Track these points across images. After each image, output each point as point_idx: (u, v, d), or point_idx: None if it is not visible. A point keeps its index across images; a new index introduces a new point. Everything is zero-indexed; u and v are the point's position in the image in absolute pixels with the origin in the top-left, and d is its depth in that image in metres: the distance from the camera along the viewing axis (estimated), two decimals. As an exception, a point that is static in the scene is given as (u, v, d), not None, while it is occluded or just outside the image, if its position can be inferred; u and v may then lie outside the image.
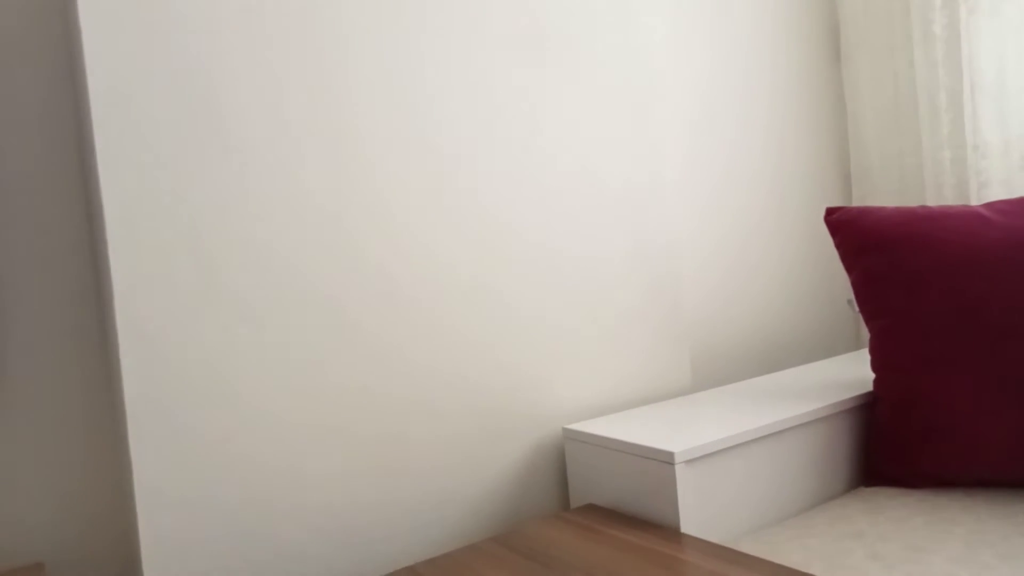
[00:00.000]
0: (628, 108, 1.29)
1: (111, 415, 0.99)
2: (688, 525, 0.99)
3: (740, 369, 1.54)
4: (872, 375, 1.29)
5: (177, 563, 0.89)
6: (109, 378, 0.98)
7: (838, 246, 1.22)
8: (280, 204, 0.96)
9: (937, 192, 1.61)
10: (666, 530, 0.97)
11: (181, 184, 0.90)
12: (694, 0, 1.52)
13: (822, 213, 1.75)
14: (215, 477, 0.91)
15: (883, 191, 1.74)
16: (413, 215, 1.06)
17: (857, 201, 1.79)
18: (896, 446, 1.12)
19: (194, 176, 0.90)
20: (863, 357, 1.48)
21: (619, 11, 1.28)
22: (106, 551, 0.98)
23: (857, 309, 1.21)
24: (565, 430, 1.17)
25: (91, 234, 0.97)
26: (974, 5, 1.49)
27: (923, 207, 1.16)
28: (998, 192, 1.50)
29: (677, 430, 1.07)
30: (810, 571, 0.88)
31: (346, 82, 1.01)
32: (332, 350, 1.00)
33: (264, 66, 0.95)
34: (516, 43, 1.17)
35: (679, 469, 0.98)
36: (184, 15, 0.90)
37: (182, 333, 0.90)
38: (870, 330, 1.17)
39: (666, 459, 0.98)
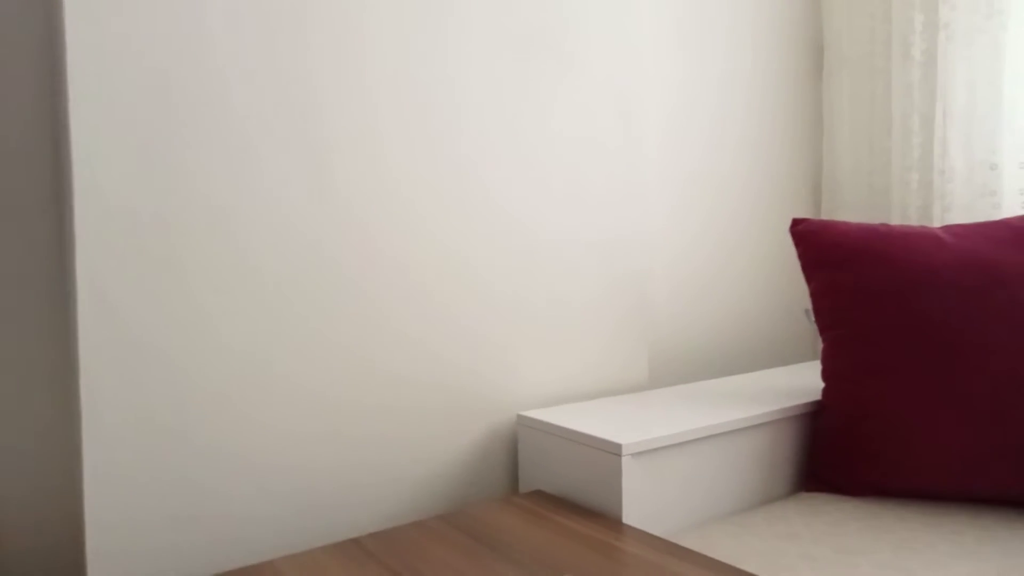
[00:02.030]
0: (611, 108, 1.31)
1: (70, 373, 0.98)
2: (631, 516, 1.01)
3: (698, 370, 1.57)
4: (822, 384, 1.32)
5: (126, 522, 0.89)
6: (68, 335, 0.97)
7: (800, 257, 1.25)
8: (248, 174, 0.96)
9: (903, 212, 1.65)
10: (609, 520, 1.00)
11: (150, 147, 0.89)
12: (681, 7, 1.54)
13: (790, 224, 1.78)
14: (169, 435, 0.91)
15: (851, 207, 1.77)
16: (387, 193, 1.07)
17: (826, 215, 1.82)
18: (838, 454, 1.15)
19: (164, 140, 0.90)
20: (817, 367, 1.51)
21: (605, 16, 1.29)
22: (56, 510, 0.97)
23: (813, 319, 1.24)
24: (519, 416, 1.18)
25: (60, 197, 0.96)
26: (952, 33, 1.52)
27: (884, 225, 1.20)
28: (960, 216, 1.55)
29: (628, 424, 1.09)
30: (743, 568, 0.90)
31: (308, 65, 1.01)
32: (296, 315, 1.00)
33: (259, 30, 0.94)
34: (503, 42, 1.17)
35: (626, 461, 1.00)
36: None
37: (142, 297, 0.89)
38: (823, 340, 1.20)
39: (614, 451, 1.00)
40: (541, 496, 1.10)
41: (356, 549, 0.91)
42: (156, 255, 0.90)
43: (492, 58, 1.16)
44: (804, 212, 1.81)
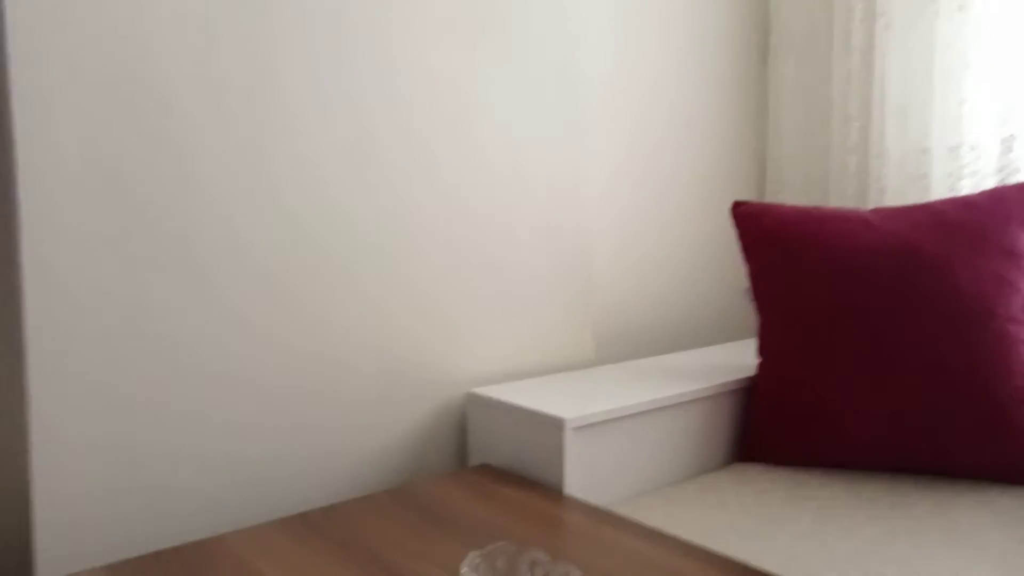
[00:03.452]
0: (554, 90, 1.33)
1: (16, 348, 0.98)
2: (572, 487, 1.05)
3: (644, 347, 1.62)
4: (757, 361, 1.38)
5: (73, 507, 0.90)
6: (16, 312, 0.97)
7: (740, 238, 1.30)
8: (199, 151, 0.96)
9: (841, 195, 1.71)
10: (552, 491, 1.04)
11: (97, 119, 0.89)
12: (631, -13, 1.56)
13: (736, 205, 1.83)
14: (116, 420, 0.92)
15: (793, 189, 1.83)
16: (332, 175, 1.08)
17: (770, 197, 1.88)
18: (770, 427, 1.21)
19: (113, 115, 0.90)
20: (753, 344, 1.58)
21: (553, 1, 1.31)
22: (2, 485, 0.98)
23: (752, 299, 1.29)
24: (468, 394, 1.22)
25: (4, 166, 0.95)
26: (889, 21, 1.58)
27: (816, 208, 1.25)
28: (894, 199, 1.61)
29: (571, 399, 1.13)
30: (673, 534, 0.95)
31: (276, 45, 1.01)
32: (243, 299, 1.01)
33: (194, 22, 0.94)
34: (452, 25, 1.18)
35: (568, 435, 1.04)
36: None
37: (90, 273, 0.90)
38: (759, 319, 1.26)
39: (557, 425, 1.04)
40: (488, 470, 1.14)
41: (303, 524, 0.94)
42: (103, 237, 0.90)
43: (442, 36, 1.18)
44: (750, 194, 1.87)
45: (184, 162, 0.96)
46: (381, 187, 1.13)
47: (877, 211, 1.22)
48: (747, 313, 1.83)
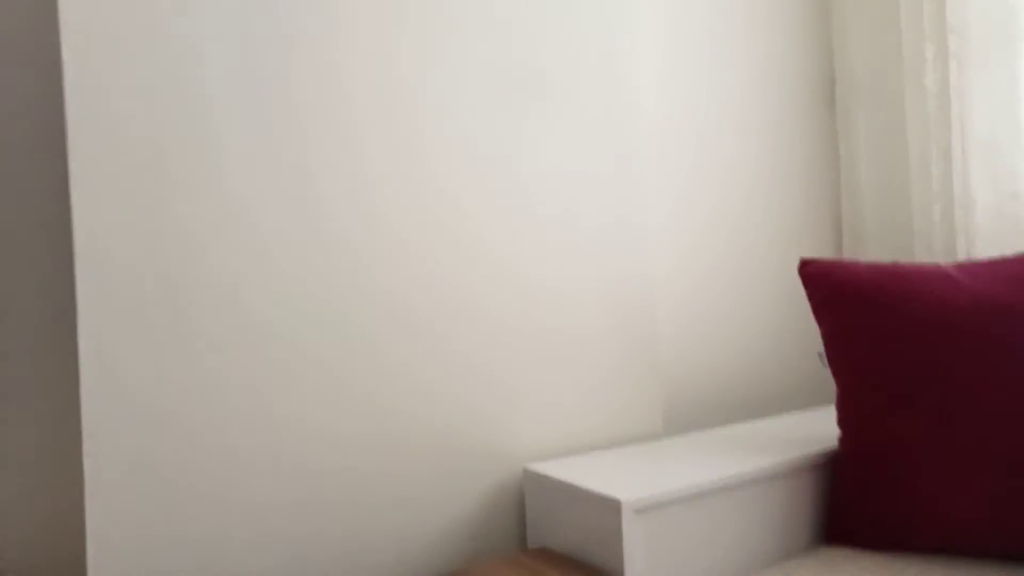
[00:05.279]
0: (611, 151, 1.30)
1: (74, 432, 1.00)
2: (634, 575, 0.98)
3: (714, 416, 1.53)
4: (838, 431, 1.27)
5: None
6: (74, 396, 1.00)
7: (810, 298, 1.22)
8: (247, 242, 0.98)
9: (927, 246, 1.59)
10: (612, 580, 0.97)
11: (153, 214, 0.92)
12: (692, 44, 1.54)
13: (810, 262, 1.74)
14: (173, 509, 0.92)
15: (874, 243, 1.73)
16: (371, 257, 1.08)
17: (848, 252, 1.78)
18: (857, 506, 1.10)
19: (167, 209, 0.93)
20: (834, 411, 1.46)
21: (605, 54, 1.30)
22: (61, 567, 0.99)
23: (826, 363, 1.20)
24: (525, 470, 1.17)
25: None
26: (964, 60, 1.49)
27: (895, 264, 1.16)
28: (985, 248, 1.49)
29: (632, 477, 1.07)
30: (748, 632, 0.86)
31: (299, 116, 1.03)
32: (296, 387, 1.01)
33: (252, 96, 0.98)
34: (500, 86, 1.18)
35: (626, 518, 0.97)
36: (167, 41, 0.93)
37: (144, 362, 0.91)
38: (837, 385, 1.16)
39: (614, 507, 0.98)
40: (546, 554, 1.07)
41: (349, 615, 0.90)
42: (159, 317, 0.92)
43: (487, 99, 1.17)
44: (825, 250, 1.77)
45: (229, 250, 0.97)
46: (425, 265, 1.12)
47: (961, 267, 1.12)
48: (824, 378, 1.70)
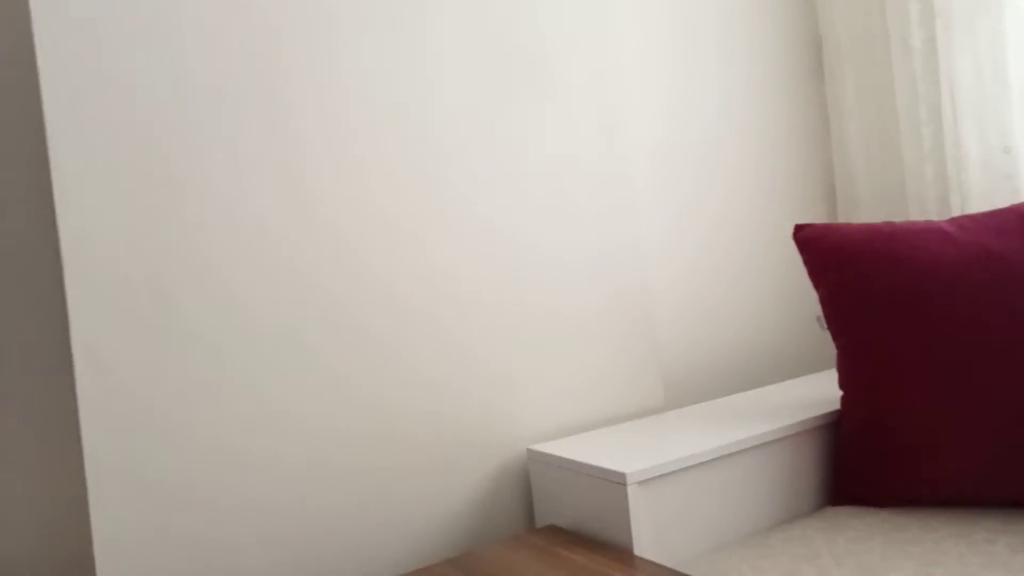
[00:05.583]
0: (593, 122, 1.30)
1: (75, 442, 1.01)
2: (642, 547, 0.98)
3: (715, 387, 1.53)
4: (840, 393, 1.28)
5: (131, 585, 0.90)
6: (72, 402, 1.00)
7: (806, 263, 1.22)
8: (239, 238, 0.98)
9: (921, 206, 1.59)
10: (621, 552, 0.97)
11: (140, 217, 0.92)
12: (670, 16, 1.53)
13: (805, 229, 1.73)
14: (175, 511, 0.93)
15: (868, 205, 1.72)
16: (367, 247, 1.08)
17: (843, 216, 1.77)
18: (861, 465, 1.11)
19: (155, 210, 0.93)
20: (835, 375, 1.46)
21: (584, 29, 1.30)
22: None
23: (825, 326, 1.20)
24: (529, 451, 1.17)
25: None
26: (948, 20, 1.48)
27: (888, 223, 1.16)
28: (979, 204, 1.48)
29: (636, 450, 1.07)
30: (757, 594, 0.87)
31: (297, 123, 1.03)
32: (294, 384, 1.01)
33: (225, 100, 0.97)
34: (487, 68, 1.18)
35: (631, 490, 0.98)
36: (147, 63, 0.93)
37: (141, 366, 0.92)
38: (837, 347, 1.16)
39: (618, 480, 0.98)
40: (554, 531, 1.08)
41: (361, 600, 0.91)
42: (149, 314, 0.92)
43: (472, 78, 1.17)
44: (819, 216, 1.76)
45: (218, 251, 0.98)
46: (416, 249, 1.12)
47: (955, 221, 1.12)
48: (825, 342, 1.70)
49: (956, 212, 1.52)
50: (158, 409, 0.93)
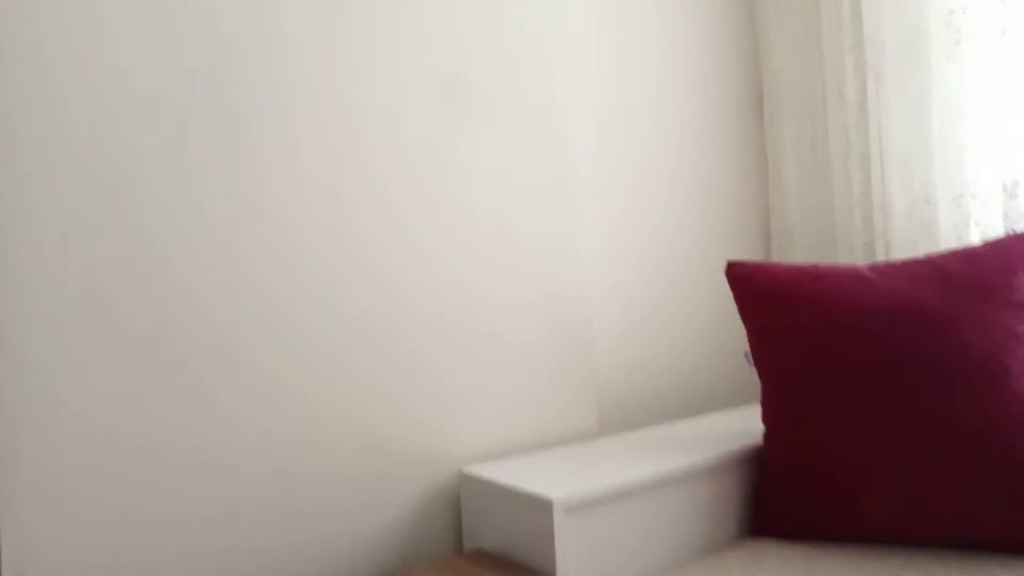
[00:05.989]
0: (543, 160, 1.33)
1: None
2: (567, 574, 0.99)
3: (647, 416, 1.56)
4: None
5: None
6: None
7: (736, 300, 1.26)
8: (173, 232, 0.97)
9: (849, 250, 1.67)
10: (544, 578, 0.98)
11: (72, 218, 0.90)
12: (622, 55, 1.58)
13: (740, 265, 1.79)
14: (92, 523, 0.90)
15: (800, 248, 1.79)
16: (309, 253, 1.08)
17: (777, 256, 1.84)
18: (780, 500, 1.14)
19: (88, 211, 0.91)
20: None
21: (537, 64, 1.32)
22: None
23: (752, 363, 1.24)
24: (461, 473, 1.17)
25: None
26: (880, 74, 1.56)
27: (812, 265, 1.21)
28: (902, 251, 1.56)
29: (565, 476, 1.08)
30: (674, 623, 0.89)
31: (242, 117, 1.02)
32: (221, 385, 1.00)
33: (179, 94, 0.96)
34: (433, 93, 1.19)
35: (558, 517, 0.99)
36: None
37: (58, 366, 0.89)
38: (761, 384, 1.21)
39: (545, 506, 0.99)
40: (480, 555, 1.08)
41: (279, 622, 0.89)
42: (79, 321, 0.90)
43: (419, 110, 1.18)
44: (755, 255, 1.83)
45: (158, 252, 0.96)
46: (360, 262, 1.12)
47: (875, 267, 1.18)
48: (752, 377, 1.76)
49: (881, 257, 1.59)
50: (72, 411, 0.90)
